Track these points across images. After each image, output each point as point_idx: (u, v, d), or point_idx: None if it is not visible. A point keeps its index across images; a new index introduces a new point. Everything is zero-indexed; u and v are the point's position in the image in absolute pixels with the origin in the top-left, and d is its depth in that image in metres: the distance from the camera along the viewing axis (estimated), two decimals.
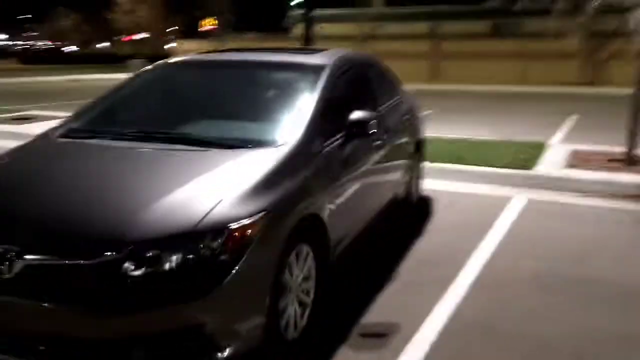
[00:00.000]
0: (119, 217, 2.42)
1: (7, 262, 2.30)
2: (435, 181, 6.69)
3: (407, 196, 5.22)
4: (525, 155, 7.48)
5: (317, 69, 3.74)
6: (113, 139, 3.24)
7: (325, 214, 3.14)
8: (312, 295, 3.11)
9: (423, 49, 31.21)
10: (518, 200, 5.96)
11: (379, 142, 4.15)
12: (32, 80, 27.55)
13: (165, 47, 48.38)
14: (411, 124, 5.22)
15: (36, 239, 2.37)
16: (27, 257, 2.31)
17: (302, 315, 3.02)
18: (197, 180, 2.67)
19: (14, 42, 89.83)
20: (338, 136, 3.46)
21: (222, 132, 3.29)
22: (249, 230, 2.47)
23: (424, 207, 5.67)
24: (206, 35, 37.18)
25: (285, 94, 3.64)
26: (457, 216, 5.44)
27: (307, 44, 9.95)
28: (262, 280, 2.54)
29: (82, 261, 2.28)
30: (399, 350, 3.01)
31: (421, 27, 33.71)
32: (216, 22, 38.94)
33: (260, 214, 2.54)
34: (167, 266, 2.32)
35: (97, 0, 52.82)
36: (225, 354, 2.42)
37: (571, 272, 4.10)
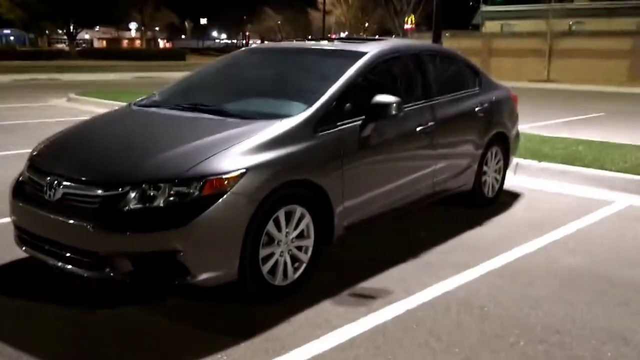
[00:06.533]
0: (130, 163, 3.15)
1: (53, 190, 3.16)
2: (536, 179, 6.52)
3: (477, 188, 5.24)
4: None
5: (355, 56, 4.09)
6: (170, 108, 3.99)
7: (325, 183, 3.51)
8: (309, 253, 3.53)
9: (624, 47, 28.40)
10: (616, 205, 5.59)
11: (423, 128, 4.36)
12: None
13: None
14: (488, 116, 5.23)
15: (73, 173, 3.19)
16: (65, 184, 3.14)
17: (296, 269, 3.46)
18: (203, 140, 3.27)
19: (232, 41, 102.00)
20: (359, 117, 3.80)
21: (246, 107, 3.86)
22: (225, 182, 3.02)
23: (502, 201, 5.61)
24: (405, 34, 37.98)
25: (318, 76, 4.04)
26: (531, 213, 5.32)
27: (435, 41, 10.00)
28: (234, 225, 3.04)
29: (99, 192, 3.05)
30: (375, 309, 3.32)
31: (624, 23, 30.57)
32: (414, 21, 39.51)
33: (238, 172, 3.07)
34: (157, 202, 2.97)
35: (300, 2, 57.20)
36: (195, 279, 3.00)
37: (612, 274, 3.90)
